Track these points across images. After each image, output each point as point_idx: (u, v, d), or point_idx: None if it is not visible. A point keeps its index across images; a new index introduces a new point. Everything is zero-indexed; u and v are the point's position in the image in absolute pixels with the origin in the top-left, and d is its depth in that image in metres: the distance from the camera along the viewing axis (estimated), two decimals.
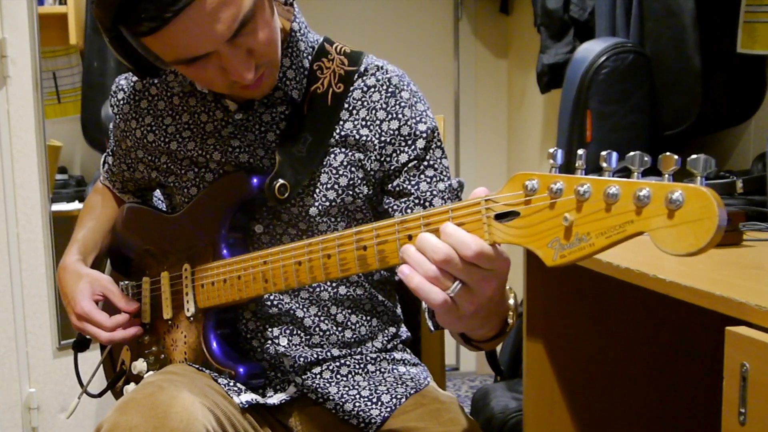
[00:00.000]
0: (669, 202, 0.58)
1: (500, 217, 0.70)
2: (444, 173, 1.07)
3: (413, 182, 1.05)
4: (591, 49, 1.80)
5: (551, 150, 0.69)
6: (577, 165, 0.66)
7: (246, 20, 0.87)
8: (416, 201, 1.04)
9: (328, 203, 1.05)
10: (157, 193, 1.26)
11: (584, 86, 1.77)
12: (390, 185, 1.06)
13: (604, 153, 0.64)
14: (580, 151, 0.67)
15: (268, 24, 0.92)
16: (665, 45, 1.72)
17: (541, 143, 2.92)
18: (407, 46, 3.20)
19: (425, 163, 1.05)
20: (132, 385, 1.12)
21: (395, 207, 1.05)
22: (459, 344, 0.95)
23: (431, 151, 1.06)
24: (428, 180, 1.05)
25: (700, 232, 0.57)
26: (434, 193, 1.05)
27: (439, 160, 1.06)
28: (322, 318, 1.08)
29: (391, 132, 1.04)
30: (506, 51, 3.24)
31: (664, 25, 1.71)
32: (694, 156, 0.59)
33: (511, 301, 0.87)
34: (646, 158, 0.62)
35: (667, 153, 0.61)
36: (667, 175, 0.60)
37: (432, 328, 1.03)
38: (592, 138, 1.78)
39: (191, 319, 1.06)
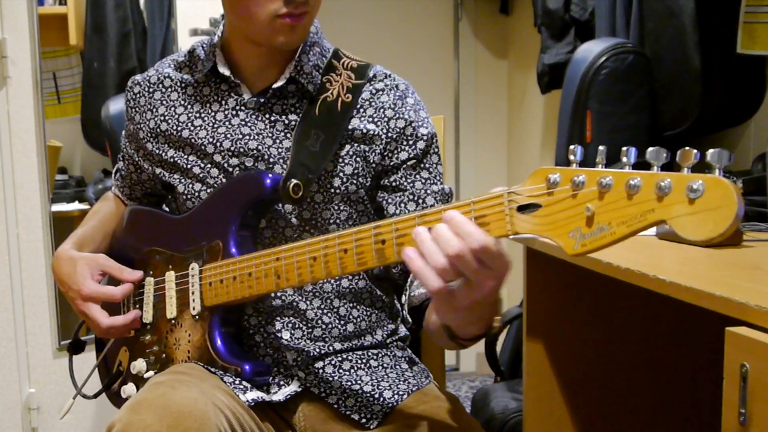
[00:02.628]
0: (690, 191, 0.60)
1: (522, 209, 0.72)
2: (438, 177, 1.13)
3: (409, 180, 1.11)
4: (591, 50, 1.80)
5: (572, 147, 0.71)
6: (597, 160, 0.69)
7: None
8: (410, 197, 1.10)
9: (332, 190, 1.08)
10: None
11: (584, 86, 1.77)
12: (386, 180, 1.11)
13: (624, 148, 0.67)
14: (601, 147, 0.70)
15: None
16: (665, 45, 1.72)
17: (541, 143, 2.92)
18: (407, 46, 3.20)
19: (422, 164, 1.11)
20: (130, 385, 1.12)
21: (389, 201, 1.10)
22: (442, 344, 0.97)
23: (429, 155, 1.12)
24: (423, 180, 1.11)
25: (720, 219, 0.59)
26: (428, 192, 1.10)
27: (435, 165, 1.13)
28: (325, 311, 1.10)
29: (398, 130, 1.10)
30: (506, 51, 3.24)
31: (664, 25, 1.71)
32: (712, 150, 0.62)
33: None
34: (664, 154, 0.65)
35: (686, 147, 0.63)
36: (686, 169, 0.63)
37: (410, 320, 1.05)
38: (592, 138, 1.78)
39: (197, 317, 1.06)
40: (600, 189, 0.65)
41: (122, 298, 1.11)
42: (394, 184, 1.10)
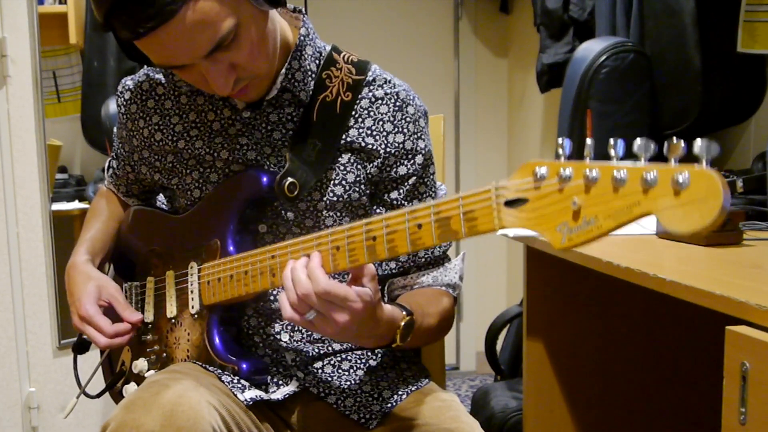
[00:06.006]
0: (675, 183, 0.59)
1: (510, 204, 0.72)
2: (433, 188, 1.14)
3: (408, 199, 1.11)
4: (591, 49, 1.80)
5: (560, 140, 0.70)
6: (585, 153, 0.68)
7: (224, 41, 0.91)
8: None
9: (335, 198, 1.07)
10: (161, 197, 1.27)
11: (584, 85, 1.77)
12: (387, 195, 1.10)
13: (611, 140, 0.66)
14: (588, 141, 0.68)
15: (255, 42, 0.95)
16: (665, 44, 1.72)
17: (541, 142, 2.92)
18: (407, 45, 3.20)
19: (421, 180, 1.11)
20: (132, 385, 1.12)
21: None
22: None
23: (428, 168, 1.12)
24: (420, 196, 1.12)
25: (705, 211, 0.58)
26: None
27: (431, 177, 1.14)
28: None
29: (396, 144, 1.09)
30: (506, 50, 3.24)
31: (664, 24, 1.71)
32: (699, 141, 0.61)
33: (403, 322, 0.94)
34: (652, 145, 0.64)
35: (674, 139, 0.62)
36: (673, 160, 0.62)
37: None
38: (592, 137, 1.78)
39: (195, 316, 1.06)
40: (586, 182, 0.65)
41: (111, 335, 1.08)
42: (395, 203, 1.10)
